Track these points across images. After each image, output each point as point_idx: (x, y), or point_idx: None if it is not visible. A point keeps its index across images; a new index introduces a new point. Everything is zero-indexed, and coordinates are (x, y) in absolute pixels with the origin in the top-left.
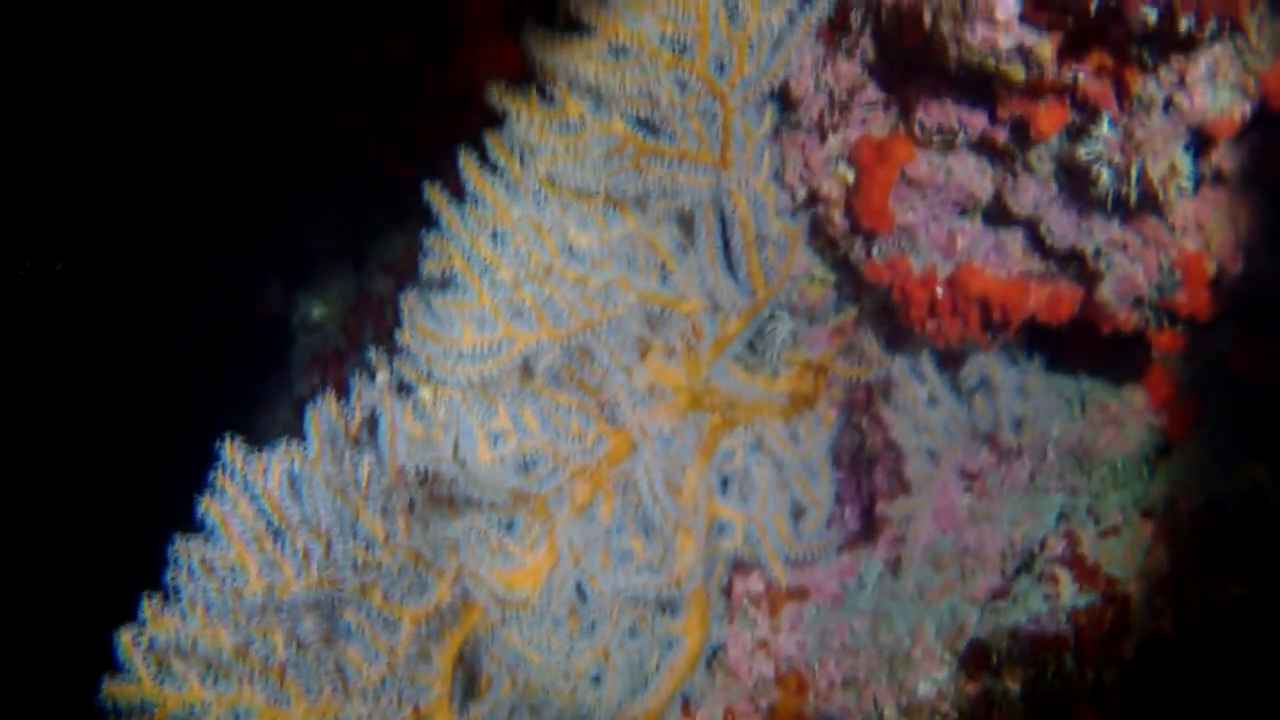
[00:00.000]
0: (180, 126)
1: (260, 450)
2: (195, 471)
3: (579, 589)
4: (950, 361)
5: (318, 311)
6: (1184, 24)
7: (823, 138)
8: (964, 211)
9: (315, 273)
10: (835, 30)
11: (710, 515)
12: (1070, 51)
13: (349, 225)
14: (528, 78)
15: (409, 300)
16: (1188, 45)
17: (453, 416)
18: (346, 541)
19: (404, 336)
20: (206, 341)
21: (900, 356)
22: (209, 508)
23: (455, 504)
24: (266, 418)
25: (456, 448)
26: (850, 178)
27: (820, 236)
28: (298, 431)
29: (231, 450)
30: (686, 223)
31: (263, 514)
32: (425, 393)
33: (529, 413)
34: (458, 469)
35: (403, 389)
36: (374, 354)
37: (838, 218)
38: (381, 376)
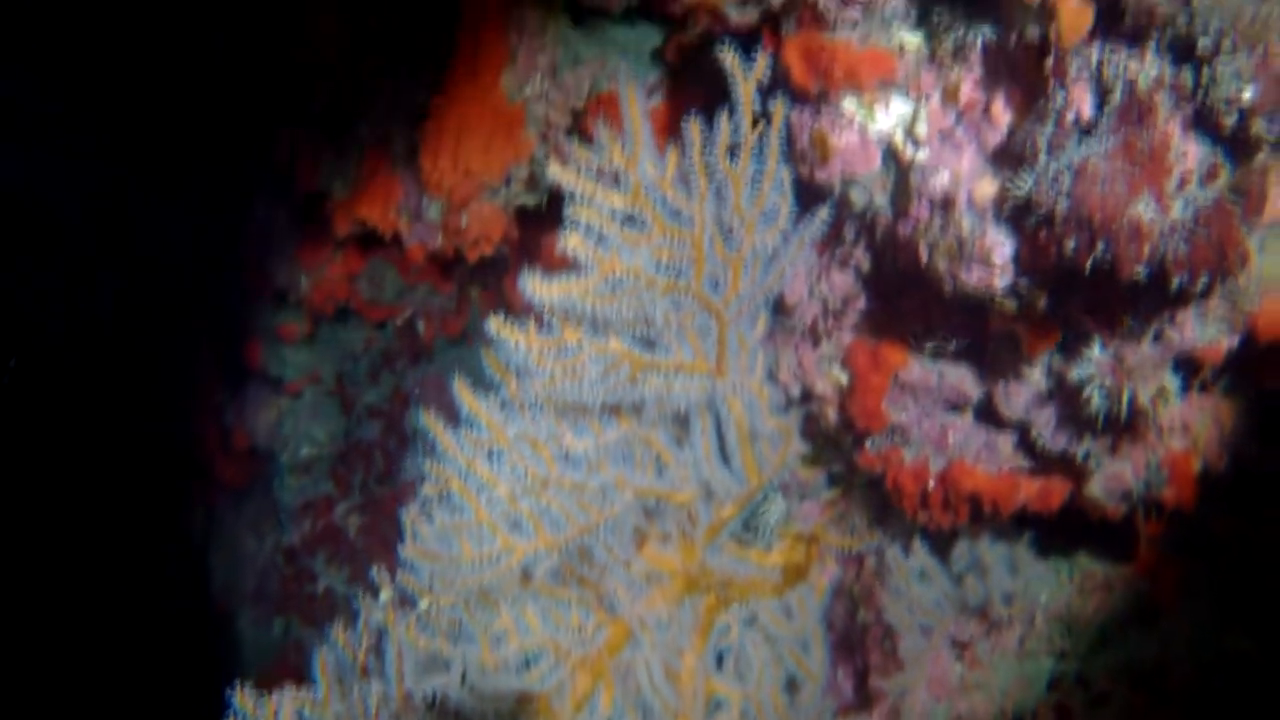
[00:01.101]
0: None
1: (270, 694)
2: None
3: None
4: (940, 538)
5: (305, 451)
6: (1175, 282)
7: (816, 341)
8: (955, 408)
9: (302, 413)
10: (829, 241)
11: (708, 693)
12: (1063, 292)
13: (335, 367)
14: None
15: (410, 515)
16: (1179, 298)
17: (456, 623)
18: None
19: (406, 551)
20: (193, 469)
21: (891, 536)
22: None
23: (462, 713)
24: (255, 546)
25: (464, 671)
26: (843, 379)
27: (813, 427)
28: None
29: (243, 698)
30: (681, 418)
31: None
32: (428, 603)
33: (530, 612)
34: (464, 693)
35: (405, 600)
36: (377, 571)
37: (831, 414)
38: (385, 595)
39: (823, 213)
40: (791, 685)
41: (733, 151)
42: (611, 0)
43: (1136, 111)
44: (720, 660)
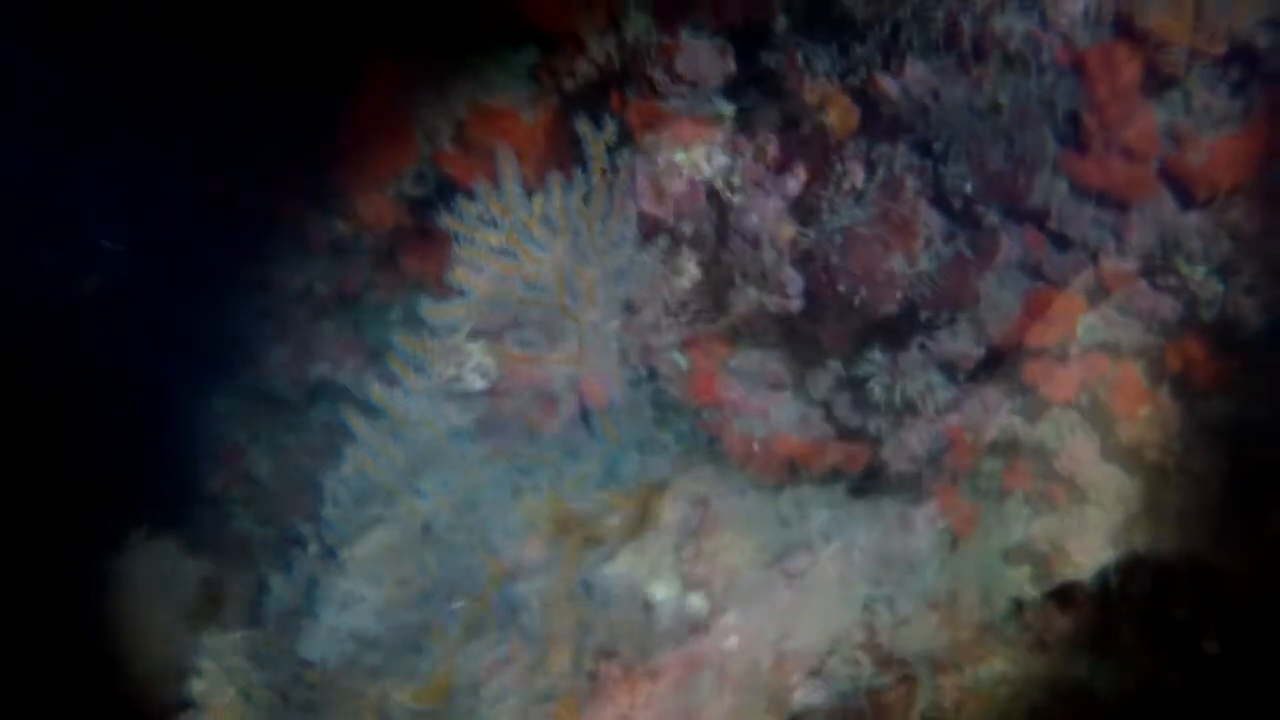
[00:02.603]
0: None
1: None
2: None
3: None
4: (770, 487)
5: (219, 403)
6: (923, 315)
7: (660, 332)
8: (775, 387)
9: (210, 371)
10: (669, 257)
11: (578, 617)
12: (845, 315)
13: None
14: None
15: (329, 485)
16: (929, 325)
17: (371, 572)
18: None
19: (328, 514)
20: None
21: (729, 484)
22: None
23: (376, 642)
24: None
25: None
26: (683, 364)
27: (662, 398)
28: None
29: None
30: (552, 397)
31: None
32: (348, 553)
33: (429, 556)
34: (377, 625)
35: (330, 553)
36: (303, 528)
37: (673, 390)
38: (312, 549)
39: (662, 240)
40: (648, 608)
41: (588, 195)
42: (493, 24)
43: (893, 188)
44: (588, 590)
